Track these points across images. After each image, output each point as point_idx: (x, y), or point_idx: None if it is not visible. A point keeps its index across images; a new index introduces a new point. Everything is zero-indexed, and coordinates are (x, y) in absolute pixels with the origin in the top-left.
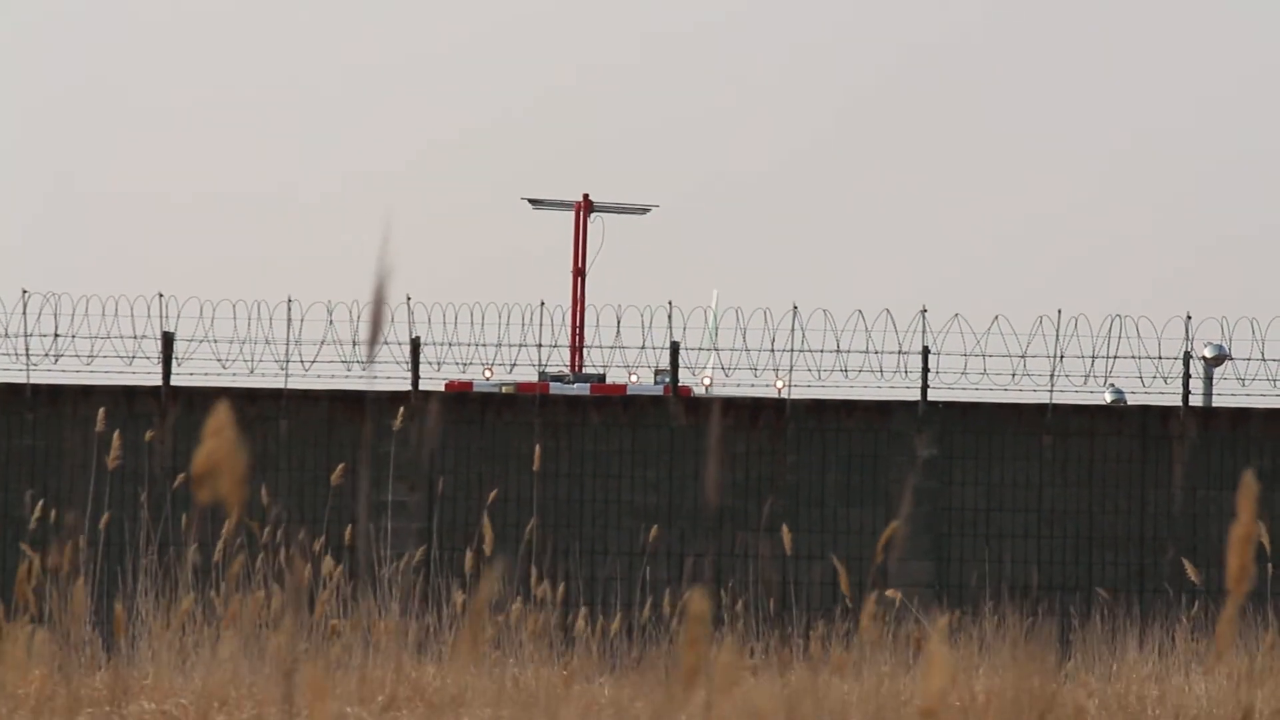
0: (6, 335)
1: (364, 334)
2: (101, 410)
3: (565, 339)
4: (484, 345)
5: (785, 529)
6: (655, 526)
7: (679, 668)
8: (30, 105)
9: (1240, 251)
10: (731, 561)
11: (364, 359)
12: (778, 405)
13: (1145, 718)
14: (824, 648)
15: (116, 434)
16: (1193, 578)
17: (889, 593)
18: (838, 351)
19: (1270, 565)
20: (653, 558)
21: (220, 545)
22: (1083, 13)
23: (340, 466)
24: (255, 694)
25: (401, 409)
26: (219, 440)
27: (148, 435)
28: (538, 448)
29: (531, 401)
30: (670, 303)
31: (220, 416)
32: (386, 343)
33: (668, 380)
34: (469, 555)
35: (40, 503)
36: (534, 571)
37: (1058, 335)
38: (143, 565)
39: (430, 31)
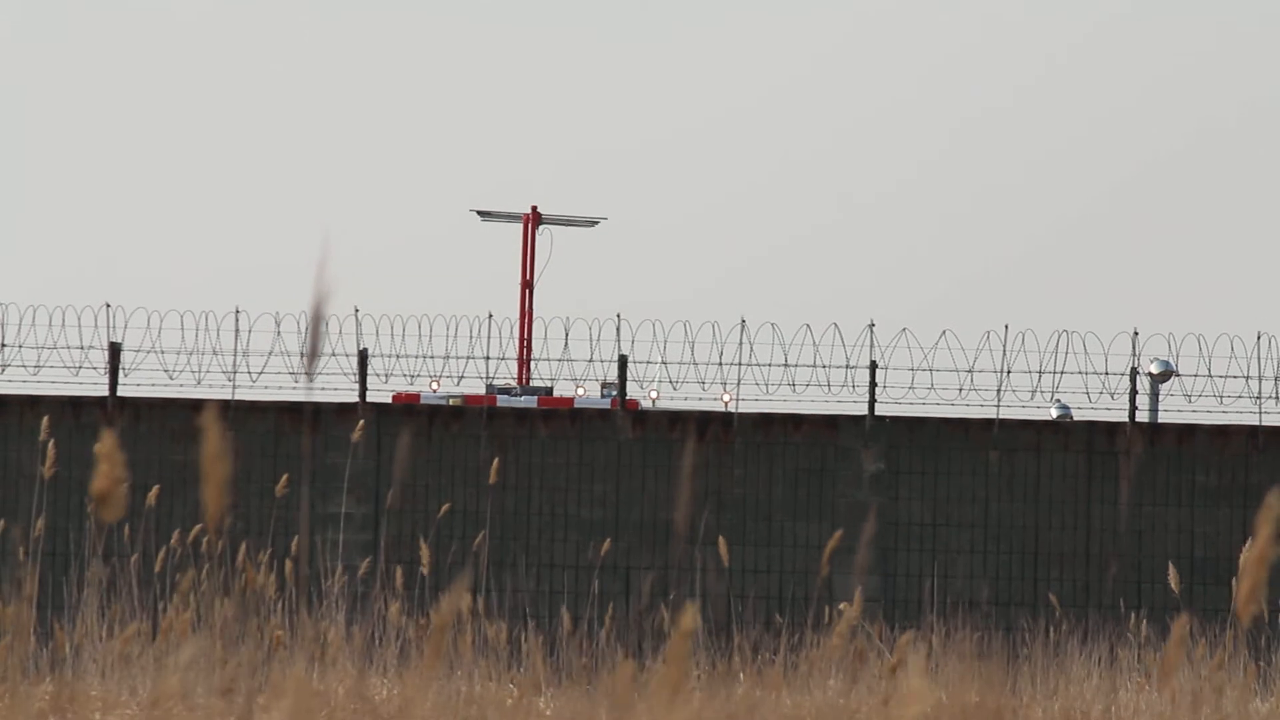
0: None
1: (305, 350)
2: (45, 418)
3: (513, 351)
4: (432, 357)
5: (723, 542)
6: (604, 540)
7: (623, 681)
8: None
9: (1187, 268)
10: (677, 575)
11: (306, 373)
12: (725, 419)
13: None
14: (771, 662)
15: (52, 443)
16: (1174, 587)
17: (842, 606)
18: (785, 365)
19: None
20: (600, 571)
21: (161, 557)
22: (1014, 30)
23: (284, 478)
24: (203, 705)
25: (349, 420)
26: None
27: (95, 446)
28: (496, 460)
29: (479, 414)
30: (619, 315)
31: (108, 441)
32: (334, 354)
33: (615, 393)
34: (417, 566)
35: None
36: (485, 583)
37: (1005, 350)
38: (87, 576)
39: (379, 41)
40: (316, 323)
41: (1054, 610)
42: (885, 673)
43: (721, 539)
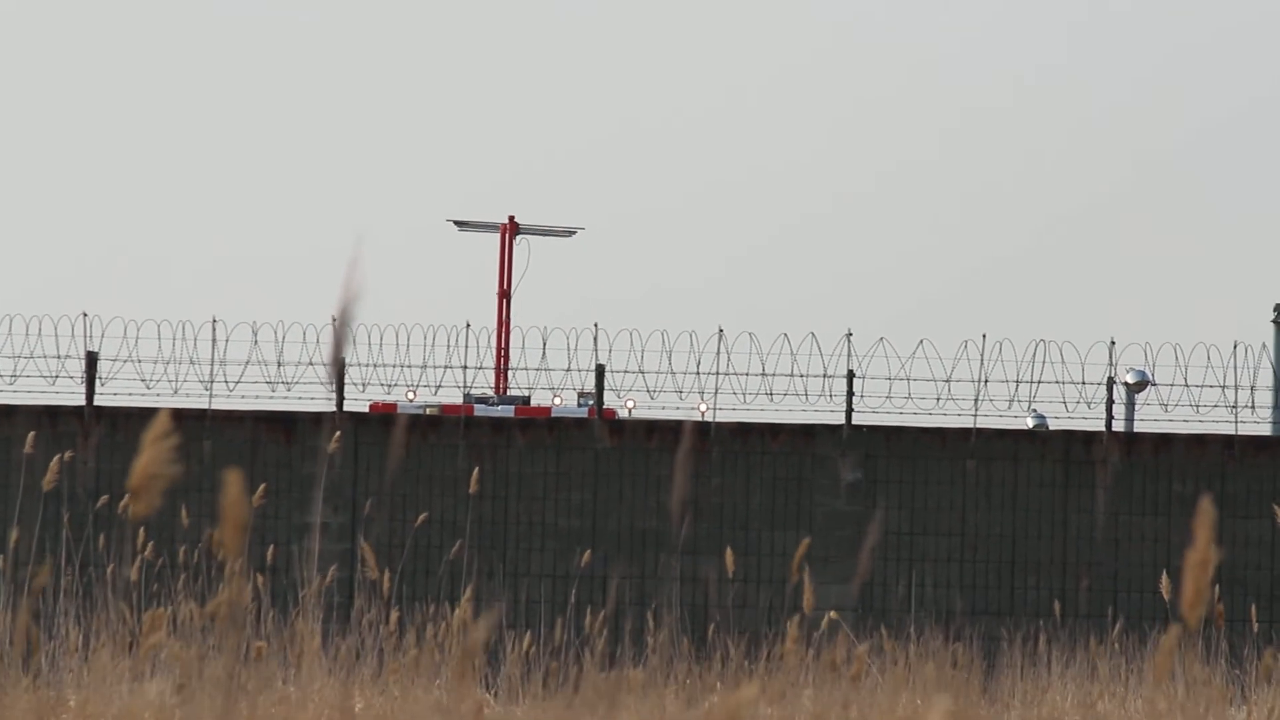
0: None
1: (328, 353)
2: (31, 434)
3: (490, 361)
4: (409, 366)
5: (730, 553)
6: (582, 549)
7: (598, 691)
8: None
9: (1164, 278)
10: (655, 584)
11: (327, 379)
12: (702, 428)
13: None
14: (749, 671)
15: (55, 460)
16: (1164, 593)
17: (831, 614)
18: (763, 375)
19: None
20: (576, 580)
21: (136, 566)
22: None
23: (262, 487)
24: (176, 714)
25: (325, 430)
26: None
27: (69, 455)
28: (475, 469)
29: (456, 423)
30: (596, 325)
31: (160, 426)
32: (311, 363)
33: (591, 403)
34: (395, 576)
35: None
36: (462, 592)
37: (982, 360)
38: (63, 585)
39: (355, 52)
40: (343, 325)
41: (1031, 619)
42: (848, 682)
43: (729, 550)
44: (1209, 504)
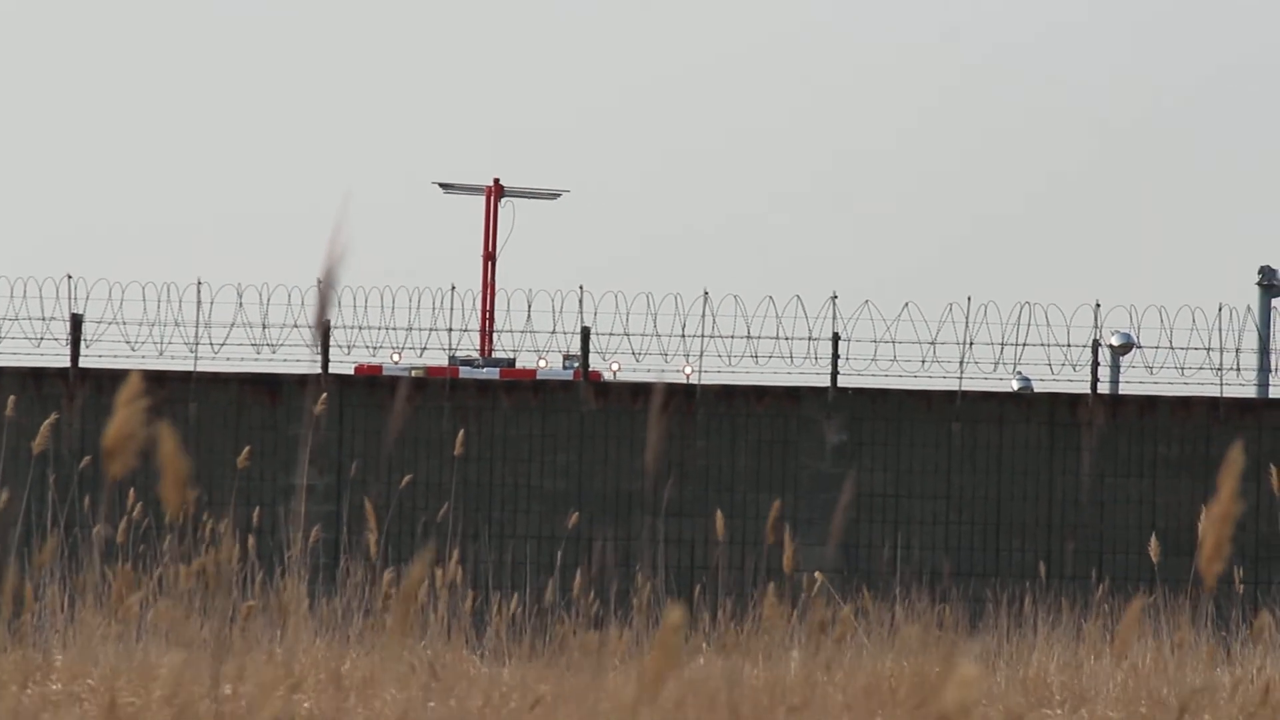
0: None
1: (313, 315)
2: (12, 399)
3: (475, 323)
4: (394, 329)
5: (720, 516)
6: (568, 511)
7: (582, 651)
8: None
9: (1149, 241)
10: (640, 546)
11: (312, 342)
12: (687, 390)
13: (1053, 702)
14: (735, 633)
15: (45, 424)
16: (1153, 557)
17: (817, 575)
18: (748, 337)
19: (1191, 556)
20: (562, 541)
21: (123, 526)
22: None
23: (247, 449)
24: (165, 676)
25: (311, 392)
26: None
27: (54, 417)
28: (461, 432)
29: (441, 385)
30: (581, 287)
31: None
32: (296, 325)
33: (577, 365)
34: (380, 538)
35: None
36: (449, 554)
37: (967, 322)
38: (49, 547)
39: (340, 15)
40: (328, 287)
41: (1016, 581)
42: (832, 644)
43: (719, 512)
44: (1238, 453)
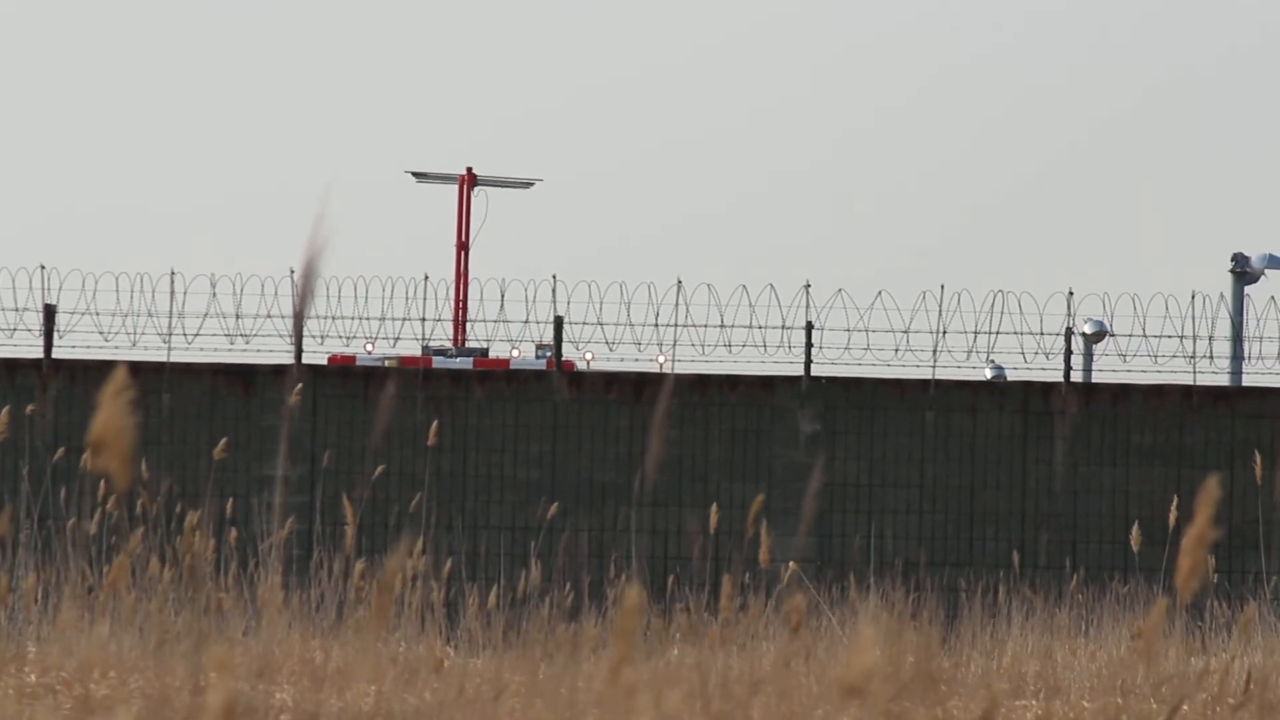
0: None
1: (294, 305)
2: None
3: (449, 313)
4: (367, 319)
5: (715, 509)
6: (542, 501)
7: (553, 643)
8: None
9: (1122, 229)
10: (614, 536)
11: (289, 332)
12: (661, 380)
13: (1027, 692)
14: (709, 623)
15: (4, 411)
16: (1134, 546)
17: (792, 565)
18: (721, 326)
19: (1164, 544)
20: (535, 532)
21: (96, 519)
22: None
23: (224, 441)
24: (138, 666)
25: (284, 383)
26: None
27: (28, 409)
28: (434, 422)
29: (415, 376)
30: (554, 277)
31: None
32: (270, 316)
33: (550, 355)
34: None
35: None
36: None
37: (940, 311)
38: (22, 539)
39: (312, 2)
40: (308, 278)
41: (991, 570)
42: (805, 633)
43: (714, 506)
44: (1214, 484)
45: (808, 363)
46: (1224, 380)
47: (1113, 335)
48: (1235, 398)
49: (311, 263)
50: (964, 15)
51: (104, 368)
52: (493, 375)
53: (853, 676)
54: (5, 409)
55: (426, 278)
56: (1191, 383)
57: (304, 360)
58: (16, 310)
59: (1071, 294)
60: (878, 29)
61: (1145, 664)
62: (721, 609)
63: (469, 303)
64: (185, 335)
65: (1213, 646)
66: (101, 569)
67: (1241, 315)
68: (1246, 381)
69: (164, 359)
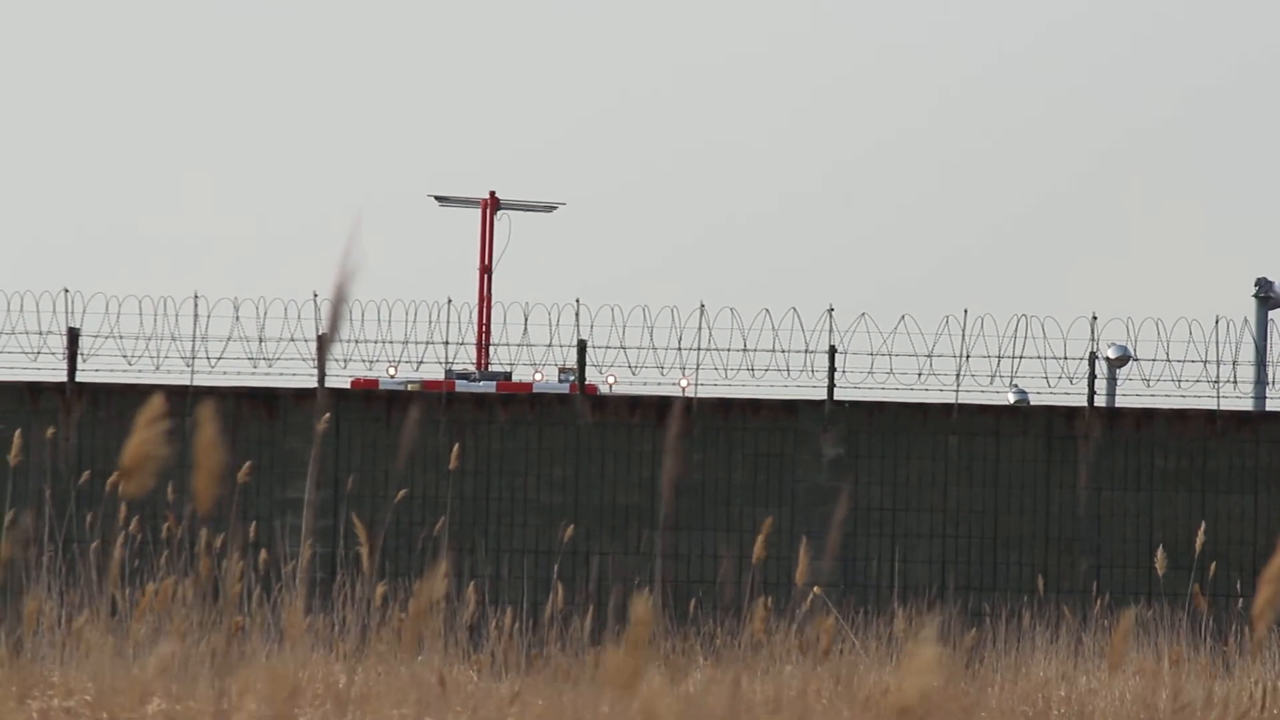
0: None
1: (323, 329)
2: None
3: (472, 336)
4: (390, 342)
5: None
6: (564, 524)
7: (584, 668)
8: None
9: (1146, 253)
10: (637, 560)
11: (313, 356)
12: (684, 404)
13: (1051, 716)
14: (733, 647)
15: (17, 433)
16: (1159, 568)
17: (815, 589)
18: (744, 350)
19: (1191, 569)
20: (558, 556)
21: (120, 542)
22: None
23: (247, 464)
24: (162, 690)
25: (307, 406)
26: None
27: (50, 432)
28: (457, 446)
29: (438, 399)
30: (577, 300)
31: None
32: (293, 339)
33: (573, 378)
34: (376, 552)
35: None
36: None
37: (964, 335)
38: (45, 562)
39: (336, 26)
40: (338, 303)
41: (1014, 594)
42: (833, 658)
43: (712, 526)
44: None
45: (831, 386)
46: (1248, 405)
47: (1136, 360)
48: (1259, 422)
49: (342, 288)
50: (988, 33)
51: (127, 391)
52: (516, 399)
53: (906, 698)
54: (28, 432)
55: (450, 301)
56: (1215, 407)
57: (327, 383)
58: (40, 333)
59: (1095, 319)
60: (898, 46)
61: (1111, 672)
62: (755, 630)
63: (492, 326)
64: (209, 359)
65: (1237, 670)
66: (125, 592)
67: (1265, 340)
68: (1270, 406)
69: (188, 382)
